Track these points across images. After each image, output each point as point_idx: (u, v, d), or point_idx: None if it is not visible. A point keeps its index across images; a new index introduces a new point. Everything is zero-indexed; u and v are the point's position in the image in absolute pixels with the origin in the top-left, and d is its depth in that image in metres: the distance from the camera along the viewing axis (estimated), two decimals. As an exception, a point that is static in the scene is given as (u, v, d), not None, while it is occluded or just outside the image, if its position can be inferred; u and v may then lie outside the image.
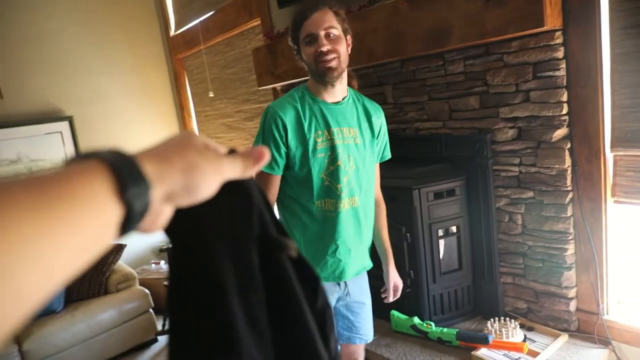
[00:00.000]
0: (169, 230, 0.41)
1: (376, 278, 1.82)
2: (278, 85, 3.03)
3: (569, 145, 1.89)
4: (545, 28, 1.67)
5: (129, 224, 0.33)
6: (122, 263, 3.52)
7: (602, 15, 1.71)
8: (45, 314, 2.95)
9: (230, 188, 0.43)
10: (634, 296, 1.94)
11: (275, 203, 1.60)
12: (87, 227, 0.29)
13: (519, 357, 1.89)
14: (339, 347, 1.61)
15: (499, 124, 2.07)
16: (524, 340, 2.00)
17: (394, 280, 1.77)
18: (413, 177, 2.20)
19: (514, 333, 2.00)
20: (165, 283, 3.40)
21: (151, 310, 3.31)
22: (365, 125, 1.58)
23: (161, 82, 4.36)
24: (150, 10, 4.26)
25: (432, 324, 2.18)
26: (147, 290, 3.32)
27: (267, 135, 1.47)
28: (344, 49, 1.46)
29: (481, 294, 2.31)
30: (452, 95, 2.23)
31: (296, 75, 2.71)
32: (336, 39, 1.44)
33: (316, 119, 1.49)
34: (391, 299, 1.77)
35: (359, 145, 1.55)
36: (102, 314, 3.05)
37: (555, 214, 1.97)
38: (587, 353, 1.90)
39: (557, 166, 1.92)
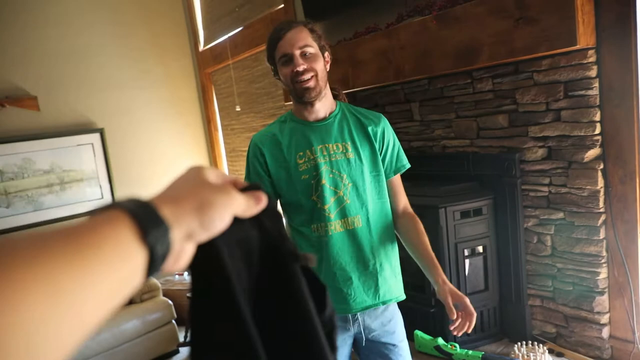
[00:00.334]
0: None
1: (415, 300, 1.77)
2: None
3: (601, 166, 1.84)
4: (577, 47, 1.65)
5: (153, 265, 0.35)
6: (147, 273, 3.56)
7: (637, 33, 1.68)
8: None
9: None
10: (671, 324, 1.86)
11: None
12: (115, 272, 0.31)
13: (548, 384, 1.83)
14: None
15: (528, 143, 2.03)
16: (554, 367, 1.93)
17: (453, 293, 1.35)
18: (439, 195, 2.18)
19: (543, 358, 1.94)
20: (188, 295, 3.42)
21: (174, 321, 3.34)
22: (360, 137, 1.45)
23: (189, 95, 4.45)
24: (181, 26, 4.38)
25: (457, 345, 2.13)
26: (170, 301, 3.35)
27: (250, 166, 1.49)
28: (321, 66, 1.40)
29: (508, 316, 2.25)
30: (480, 113, 2.21)
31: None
32: (312, 57, 1.38)
33: (297, 141, 1.44)
34: (465, 329, 1.34)
35: (352, 160, 1.43)
36: (126, 323, 3.09)
37: (587, 236, 1.91)
38: (621, 382, 1.82)
39: (589, 187, 1.87)
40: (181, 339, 3.40)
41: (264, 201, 0.47)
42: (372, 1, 2.42)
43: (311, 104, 1.42)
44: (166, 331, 3.28)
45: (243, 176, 1.53)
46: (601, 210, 1.86)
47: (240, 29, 3.72)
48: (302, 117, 1.47)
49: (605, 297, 1.92)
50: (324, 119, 1.46)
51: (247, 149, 1.54)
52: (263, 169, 1.46)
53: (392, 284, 1.48)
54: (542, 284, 2.12)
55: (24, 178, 3.50)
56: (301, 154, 1.42)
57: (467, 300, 1.34)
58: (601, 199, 1.85)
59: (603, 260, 1.89)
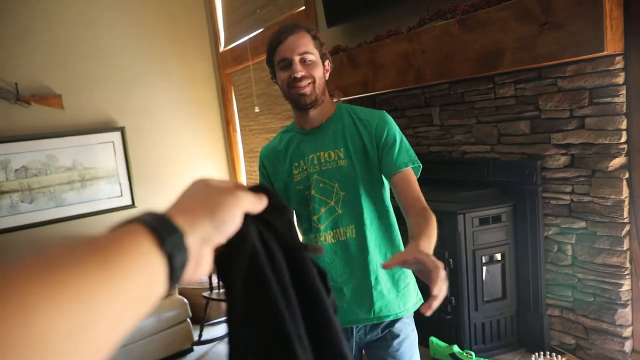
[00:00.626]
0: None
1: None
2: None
3: (627, 175, 1.79)
4: (605, 53, 1.61)
5: (174, 272, 0.37)
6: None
7: (667, 40, 1.64)
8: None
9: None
10: (697, 340, 1.80)
11: None
12: (138, 279, 0.33)
13: (567, 397, 1.79)
14: None
15: (551, 150, 2.00)
16: (572, 379, 1.89)
17: (418, 254, 0.95)
18: (458, 201, 2.16)
19: (561, 370, 1.90)
20: (205, 294, 3.45)
21: (189, 320, 3.37)
22: (354, 141, 1.38)
23: (209, 96, 4.50)
24: (202, 27, 4.42)
25: (472, 353, 2.10)
26: (185, 300, 3.38)
27: (259, 176, 1.56)
28: (319, 74, 1.36)
29: (525, 325, 2.21)
30: (501, 119, 2.18)
31: (343, 94, 2.73)
32: (312, 65, 1.35)
33: (293, 151, 1.45)
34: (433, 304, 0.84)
35: (344, 168, 1.37)
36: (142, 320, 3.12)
37: (609, 247, 1.87)
38: (643, 398, 1.77)
39: (613, 196, 1.82)
40: (196, 338, 3.42)
41: (264, 200, 0.50)
42: (393, 4, 2.41)
43: (306, 111, 1.40)
44: (181, 329, 3.31)
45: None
46: (625, 220, 1.82)
47: (260, 30, 3.74)
48: (300, 125, 1.47)
49: (628, 309, 1.87)
50: (319, 126, 1.43)
51: None
52: (267, 180, 1.52)
53: (392, 300, 1.38)
54: (562, 294, 2.08)
55: (47, 174, 3.57)
56: (296, 164, 1.43)
57: (425, 257, 0.93)
58: (625, 209, 1.81)
59: (626, 272, 1.85)
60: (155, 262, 0.35)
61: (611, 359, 1.93)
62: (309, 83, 1.34)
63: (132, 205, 3.92)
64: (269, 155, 1.51)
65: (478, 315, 2.18)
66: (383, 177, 1.40)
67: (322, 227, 1.38)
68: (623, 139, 1.77)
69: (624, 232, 1.82)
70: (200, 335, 3.46)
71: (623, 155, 1.79)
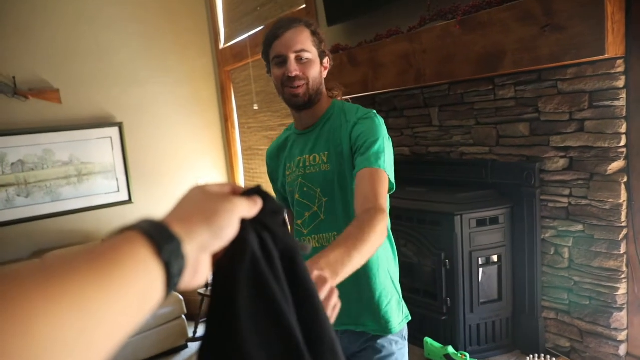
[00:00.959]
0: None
1: (426, 308, 1.76)
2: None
3: (625, 179, 1.79)
4: (605, 56, 1.61)
5: (171, 279, 0.37)
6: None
7: (668, 45, 1.64)
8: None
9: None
10: (692, 345, 1.80)
11: None
12: (135, 286, 0.33)
13: (561, 400, 1.79)
14: None
15: (549, 153, 2.00)
16: (567, 382, 1.89)
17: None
18: (455, 202, 2.15)
19: (556, 373, 1.90)
20: (200, 291, 3.44)
21: (184, 316, 3.36)
22: (337, 142, 1.29)
23: (208, 93, 4.48)
24: (202, 24, 4.40)
25: (467, 355, 2.10)
26: (181, 297, 3.37)
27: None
28: (315, 73, 1.28)
29: (521, 327, 2.21)
30: (500, 120, 2.17)
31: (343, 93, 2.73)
32: (308, 63, 1.27)
33: (287, 152, 1.41)
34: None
35: (327, 173, 1.29)
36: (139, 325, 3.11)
37: (606, 250, 1.87)
38: (637, 402, 1.77)
39: (611, 200, 1.82)
40: (190, 334, 3.41)
41: (259, 203, 0.50)
42: (394, 4, 2.40)
43: (299, 111, 1.34)
44: (176, 326, 3.30)
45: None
46: (623, 224, 1.82)
47: (261, 27, 3.72)
48: (296, 125, 1.42)
49: (624, 313, 1.87)
50: (310, 127, 1.36)
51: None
52: (271, 181, 1.52)
53: (373, 313, 1.28)
54: (558, 297, 2.08)
55: (44, 169, 3.55)
56: (288, 165, 1.39)
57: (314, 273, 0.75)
58: (623, 213, 1.81)
59: (623, 276, 1.85)
60: (153, 270, 0.35)
61: (606, 363, 1.93)
62: (303, 84, 1.27)
63: (129, 201, 3.90)
64: (271, 154, 1.49)
65: (473, 317, 2.18)
66: None
67: (305, 232, 1.34)
68: (622, 143, 1.77)
69: (621, 236, 1.82)
70: (195, 332, 3.45)
71: (622, 159, 1.78)
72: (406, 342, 1.35)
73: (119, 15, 3.89)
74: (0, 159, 3.40)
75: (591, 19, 1.59)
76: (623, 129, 1.76)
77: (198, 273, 0.42)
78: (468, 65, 2.05)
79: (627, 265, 1.84)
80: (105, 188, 3.81)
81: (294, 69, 1.26)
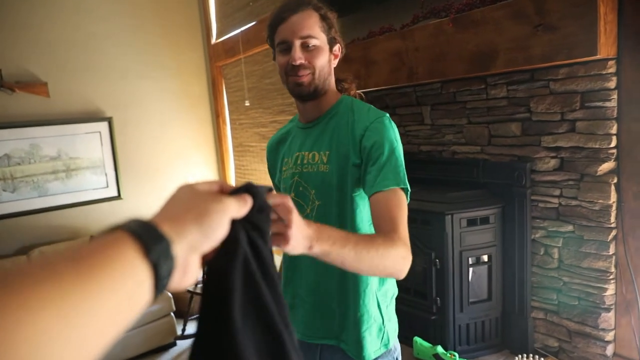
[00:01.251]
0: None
1: (415, 307, 1.76)
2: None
3: (615, 180, 1.79)
4: (597, 57, 1.60)
5: (160, 280, 0.36)
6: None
7: (659, 46, 1.64)
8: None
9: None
10: (679, 346, 1.81)
11: None
12: (122, 288, 0.33)
13: (549, 400, 1.79)
14: None
15: (540, 153, 1.99)
16: (555, 382, 1.89)
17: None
18: (446, 201, 2.15)
19: (544, 373, 1.91)
20: (189, 289, 3.42)
21: (172, 314, 3.33)
22: (341, 143, 1.18)
23: (199, 88, 4.44)
24: (194, 19, 4.36)
25: (456, 354, 2.10)
26: (170, 294, 3.34)
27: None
28: (322, 62, 1.17)
29: (510, 327, 2.21)
30: (492, 120, 2.17)
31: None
32: (315, 51, 1.16)
33: (287, 146, 1.31)
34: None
35: (325, 175, 1.18)
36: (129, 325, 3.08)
37: (596, 251, 1.87)
38: (624, 402, 1.78)
39: (601, 201, 1.82)
40: (179, 332, 3.39)
41: (248, 202, 0.50)
42: (387, 1, 2.38)
43: (303, 102, 1.23)
44: (164, 323, 3.27)
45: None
46: (612, 225, 1.82)
47: (253, 23, 3.69)
48: (299, 118, 1.31)
49: (612, 314, 1.88)
50: (314, 121, 1.25)
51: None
52: (271, 175, 1.43)
53: (352, 334, 1.17)
54: (547, 297, 2.08)
55: (31, 163, 3.50)
56: (286, 160, 1.30)
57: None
58: (613, 214, 1.81)
59: (611, 277, 1.85)
60: (140, 272, 0.35)
61: (594, 363, 1.94)
62: (309, 73, 1.16)
63: (118, 196, 3.86)
64: (271, 147, 1.40)
65: (463, 316, 2.18)
66: (358, 197, 1.17)
67: None
68: (613, 144, 1.77)
69: (610, 237, 1.83)
70: (183, 330, 3.42)
71: (612, 160, 1.78)
72: None
73: (109, 8, 3.83)
74: (-14, 152, 3.34)
75: (584, 19, 1.58)
76: (614, 130, 1.75)
77: (187, 273, 0.41)
78: (461, 64, 2.04)
79: (615, 266, 1.84)
80: (93, 184, 3.76)
81: (299, 57, 1.14)
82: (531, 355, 2.03)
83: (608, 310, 1.87)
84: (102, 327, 0.31)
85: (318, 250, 0.76)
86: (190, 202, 0.44)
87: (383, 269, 0.93)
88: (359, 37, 2.56)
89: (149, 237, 0.36)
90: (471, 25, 1.95)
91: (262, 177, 3.93)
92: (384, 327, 1.21)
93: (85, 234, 3.67)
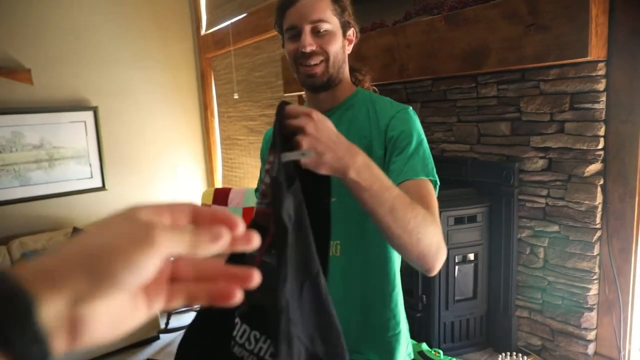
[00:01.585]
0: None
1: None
2: (304, 93, 3.00)
3: (601, 182, 1.81)
4: (588, 58, 1.61)
5: (28, 354, 0.27)
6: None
7: (649, 49, 1.64)
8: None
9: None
10: (659, 346, 1.84)
11: None
12: None
13: (531, 398, 1.81)
14: None
15: (529, 153, 2.00)
16: (537, 380, 1.91)
17: None
18: (435, 199, 2.14)
19: (527, 371, 1.92)
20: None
21: (156, 307, 3.29)
22: (360, 136, 1.08)
23: (188, 79, 4.38)
24: (184, 9, 4.29)
25: (441, 352, 2.10)
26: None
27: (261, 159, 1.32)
28: (336, 48, 1.08)
29: (494, 325, 2.23)
30: (482, 119, 2.17)
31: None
32: (327, 36, 1.06)
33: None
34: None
35: None
36: None
37: (580, 251, 1.89)
38: (604, 401, 1.81)
39: (587, 202, 1.84)
40: (162, 326, 3.35)
41: (224, 239, 0.35)
42: (380, -4, 2.37)
43: (316, 92, 1.14)
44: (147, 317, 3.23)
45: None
46: (597, 226, 1.83)
47: (243, 15, 3.65)
48: (309, 107, 1.13)
49: (594, 313, 1.90)
50: (326, 112, 1.11)
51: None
52: (263, 161, 1.31)
53: (376, 342, 1.10)
54: (531, 296, 2.10)
55: (12, 152, 3.42)
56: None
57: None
58: (598, 215, 1.83)
59: (595, 277, 1.87)
60: None
61: (576, 362, 1.96)
62: (321, 61, 1.07)
63: (103, 187, 3.80)
64: (268, 137, 1.27)
65: (448, 314, 2.18)
66: None
67: None
68: (600, 146, 1.78)
69: (595, 238, 1.84)
70: (167, 323, 3.39)
71: (599, 162, 1.80)
72: None
73: (96, -5, 3.75)
74: (-34, 140, 3.26)
75: (575, 20, 1.58)
76: (602, 132, 1.77)
77: (83, 330, 0.31)
78: (452, 62, 2.03)
79: (599, 267, 1.86)
80: (77, 174, 3.70)
81: (309, 44, 1.04)
82: (514, 353, 2.04)
83: (591, 309, 1.89)
84: None
85: (355, 177, 0.68)
86: (102, 235, 0.33)
87: (417, 242, 0.81)
88: (350, 32, 2.54)
89: (6, 322, 0.27)
90: (463, 23, 1.95)
91: (249, 171, 3.90)
92: (409, 339, 1.16)
93: (68, 225, 3.60)
